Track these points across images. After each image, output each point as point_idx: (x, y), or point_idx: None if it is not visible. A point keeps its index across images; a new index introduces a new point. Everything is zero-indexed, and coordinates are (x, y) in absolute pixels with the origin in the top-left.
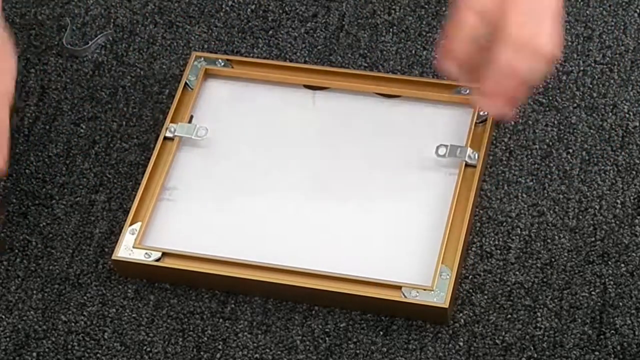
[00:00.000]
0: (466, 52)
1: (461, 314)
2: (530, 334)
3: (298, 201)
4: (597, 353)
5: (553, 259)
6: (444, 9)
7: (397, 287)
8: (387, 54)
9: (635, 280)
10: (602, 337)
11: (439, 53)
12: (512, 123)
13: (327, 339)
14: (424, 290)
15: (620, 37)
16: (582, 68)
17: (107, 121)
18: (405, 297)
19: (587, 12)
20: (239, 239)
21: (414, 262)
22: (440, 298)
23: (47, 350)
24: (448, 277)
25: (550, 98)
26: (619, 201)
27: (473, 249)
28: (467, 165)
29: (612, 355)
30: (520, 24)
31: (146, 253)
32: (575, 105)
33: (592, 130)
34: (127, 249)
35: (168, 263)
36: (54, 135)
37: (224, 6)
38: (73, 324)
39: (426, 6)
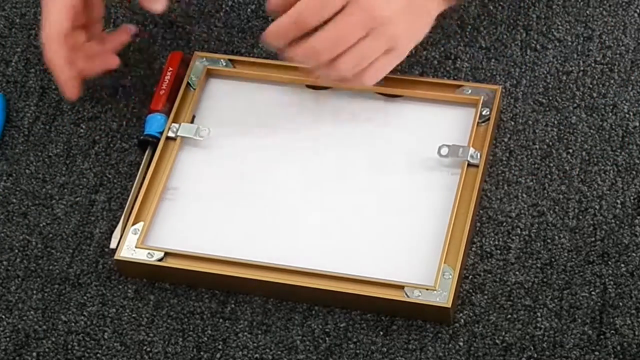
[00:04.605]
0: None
1: (461, 314)
2: (530, 334)
3: (300, 201)
4: (597, 353)
5: (553, 259)
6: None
7: (400, 287)
8: None
9: (635, 280)
10: (602, 337)
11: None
12: (512, 123)
13: (327, 339)
14: (427, 290)
15: (620, 37)
16: (582, 68)
17: (107, 121)
18: (407, 296)
19: (587, 12)
20: (240, 238)
21: (416, 262)
22: (443, 298)
23: (47, 350)
24: (450, 277)
25: (550, 98)
26: (619, 201)
27: (473, 249)
28: (469, 165)
29: (612, 355)
30: None
31: (149, 253)
32: (575, 105)
33: (592, 130)
34: (129, 249)
35: (170, 263)
36: (54, 135)
37: (224, 6)
38: (73, 324)
39: None
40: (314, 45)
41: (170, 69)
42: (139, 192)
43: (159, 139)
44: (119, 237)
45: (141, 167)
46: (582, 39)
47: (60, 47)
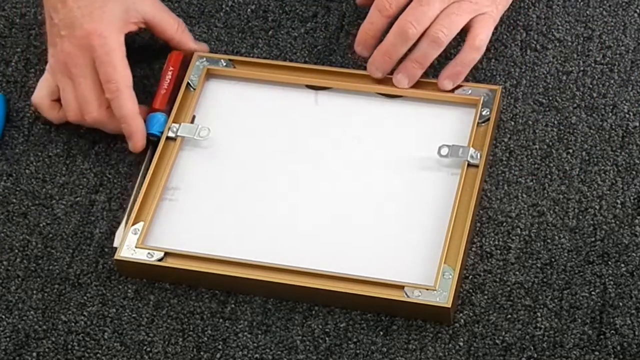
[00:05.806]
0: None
1: (461, 314)
2: (530, 334)
3: (299, 201)
4: (597, 353)
5: (553, 259)
6: None
7: (400, 287)
8: None
9: (635, 280)
10: (602, 337)
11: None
12: (512, 123)
13: (327, 339)
14: (427, 290)
15: (620, 37)
16: (582, 68)
17: None
18: (407, 296)
19: (587, 12)
20: (240, 238)
21: (416, 262)
22: (443, 298)
23: (47, 350)
24: (451, 277)
25: (550, 98)
26: (619, 201)
27: (473, 249)
28: (469, 165)
29: (612, 355)
30: None
31: (149, 253)
32: (575, 105)
33: (592, 130)
34: (129, 249)
35: (170, 263)
36: (54, 135)
37: (224, 6)
38: (73, 324)
39: None
40: (400, 21)
41: (172, 68)
42: (139, 191)
43: (159, 138)
44: (121, 235)
45: (143, 166)
46: (582, 39)
47: (132, 97)
